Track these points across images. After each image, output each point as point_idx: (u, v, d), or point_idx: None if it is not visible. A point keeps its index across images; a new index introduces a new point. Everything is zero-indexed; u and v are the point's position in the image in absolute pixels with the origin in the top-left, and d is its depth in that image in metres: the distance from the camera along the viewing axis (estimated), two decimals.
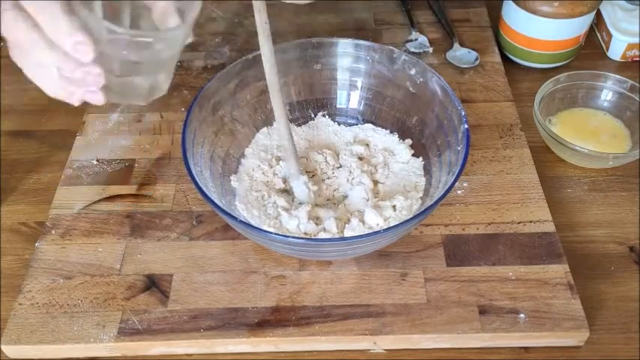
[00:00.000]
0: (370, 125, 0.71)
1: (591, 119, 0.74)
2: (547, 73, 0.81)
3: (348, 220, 0.61)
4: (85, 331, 0.56)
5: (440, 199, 0.54)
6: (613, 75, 0.74)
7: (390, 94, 0.69)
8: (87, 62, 0.44)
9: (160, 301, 0.58)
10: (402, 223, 0.53)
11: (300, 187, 0.63)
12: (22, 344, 0.56)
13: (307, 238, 0.59)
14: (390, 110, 0.70)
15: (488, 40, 0.85)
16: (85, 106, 0.77)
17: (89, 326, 0.56)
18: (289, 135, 0.61)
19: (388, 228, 0.54)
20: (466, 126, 0.59)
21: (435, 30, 0.88)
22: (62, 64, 0.44)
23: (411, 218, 0.53)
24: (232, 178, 0.65)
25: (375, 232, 0.54)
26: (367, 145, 0.69)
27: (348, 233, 0.59)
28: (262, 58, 0.56)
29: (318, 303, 0.58)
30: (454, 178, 0.56)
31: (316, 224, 0.60)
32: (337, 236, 0.59)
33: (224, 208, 0.55)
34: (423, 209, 0.56)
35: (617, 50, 0.84)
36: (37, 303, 0.58)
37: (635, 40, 0.82)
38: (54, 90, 0.47)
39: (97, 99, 0.47)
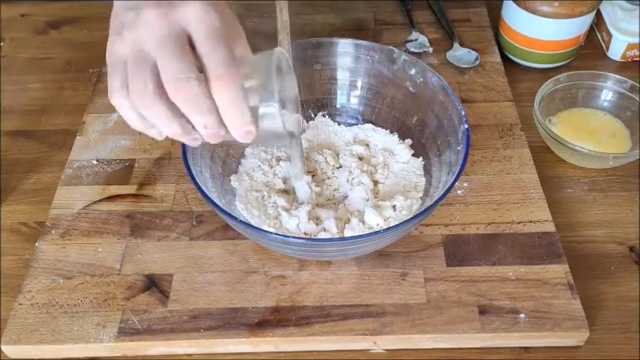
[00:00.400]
0: (370, 125, 0.71)
1: (591, 119, 0.74)
2: (547, 73, 0.81)
3: (348, 220, 0.61)
4: (85, 331, 0.56)
5: (440, 199, 0.54)
6: (613, 75, 0.74)
7: (390, 94, 0.69)
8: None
9: (160, 301, 0.58)
10: (402, 223, 0.53)
11: (303, 187, 0.63)
12: (22, 344, 0.56)
13: (307, 238, 0.59)
14: (390, 110, 0.70)
15: (488, 40, 0.85)
16: (85, 106, 0.77)
17: (89, 326, 0.56)
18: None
19: (388, 228, 0.54)
20: (466, 126, 0.59)
21: (435, 30, 0.88)
22: (208, 125, 0.46)
23: (411, 218, 0.53)
24: (232, 178, 0.65)
25: (375, 232, 0.54)
26: (367, 145, 0.69)
27: (348, 233, 0.59)
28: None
29: (318, 303, 0.58)
30: (454, 178, 0.56)
31: (316, 224, 0.60)
32: (337, 236, 0.59)
33: (224, 208, 0.55)
34: (423, 209, 0.56)
35: (617, 50, 0.84)
36: (37, 303, 0.58)
37: (635, 40, 0.82)
38: (164, 133, 0.49)
39: (195, 145, 0.50)
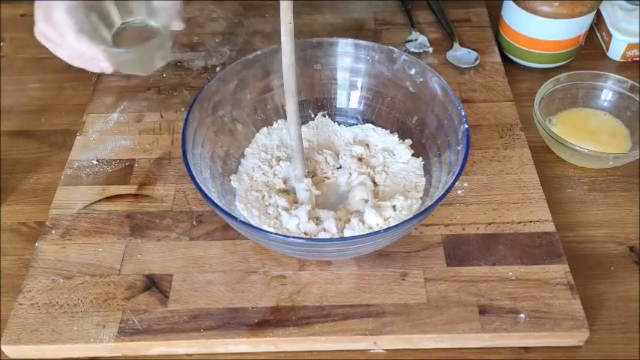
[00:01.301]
0: (370, 125, 0.71)
1: (591, 119, 0.74)
2: (547, 73, 0.81)
3: (348, 220, 0.61)
4: (85, 331, 0.56)
5: (440, 199, 0.54)
6: (613, 75, 0.74)
7: (390, 94, 0.69)
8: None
9: (160, 301, 0.58)
10: (402, 223, 0.53)
11: (303, 189, 0.63)
12: (22, 344, 0.56)
13: (307, 238, 0.59)
14: (390, 110, 0.70)
15: (488, 40, 0.85)
16: (85, 106, 0.77)
17: (89, 326, 0.56)
18: (299, 136, 0.61)
19: (388, 228, 0.54)
20: (466, 126, 0.59)
21: (435, 30, 0.88)
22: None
23: (411, 218, 0.53)
24: (232, 178, 0.65)
25: (375, 232, 0.54)
26: (367, 145, 0.69)
27: (347, 233, 0.59)
28: (282, 57, 0.56)
29: (318, 303, 0.58)
30: (454, 178, 0.56)
31: (316, 224, 0.60)
32: (337, 236, 0.59)
33: (224, 208, 0.55)
34: (423, 209, 0.56)
35: (617, 50, 0.84)
36: (37, 303, 0.58)
37: (635, 40, 0.82)
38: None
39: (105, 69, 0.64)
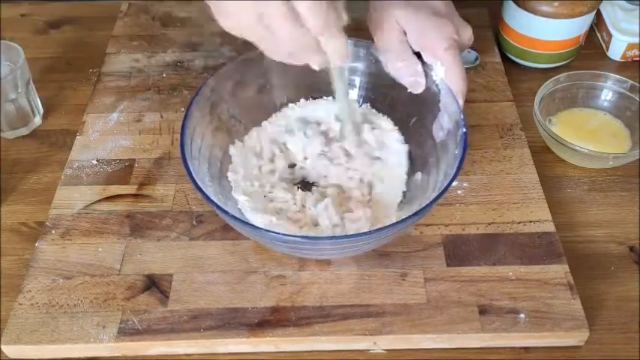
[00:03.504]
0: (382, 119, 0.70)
1: (591, 119, 0.74)
2: (547, 73, 0.81)
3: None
4: (85, 331, 0.56)
5: (434, 201, 0.54)
6: (613, 75, 0.74)
7: (390, 94, 0.69)
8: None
9: (160, 301, 0.58)
10: (396, 223, 0.52)
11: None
12: (22, 344, 0.56)
13: (303, 236, 0.58)
14: (390, 110, 0.70)
15: (488, 40, 0.85)
16: (85, 106, 0.77)
17: (89, 326, 0.56)
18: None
19: (380, 228, 0.53)
20: (464, 129, 0.58)
21: None
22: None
23: (406, 218, 0.53)
24: (230, 176, 0.65)
25: (366, 232, 0.53)
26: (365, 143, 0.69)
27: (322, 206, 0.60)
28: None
29: (318, 303, 0.58)
30: (449, 180, 0.55)
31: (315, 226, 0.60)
32: (331, 231, 0.59)
33: (224, 207, 0.55)
34: (418, 209, 0.55)
35: (617, 50, 0.84)
36: (37, 303, 0.58)
37: (635, 40, 0.82)
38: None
39: None
